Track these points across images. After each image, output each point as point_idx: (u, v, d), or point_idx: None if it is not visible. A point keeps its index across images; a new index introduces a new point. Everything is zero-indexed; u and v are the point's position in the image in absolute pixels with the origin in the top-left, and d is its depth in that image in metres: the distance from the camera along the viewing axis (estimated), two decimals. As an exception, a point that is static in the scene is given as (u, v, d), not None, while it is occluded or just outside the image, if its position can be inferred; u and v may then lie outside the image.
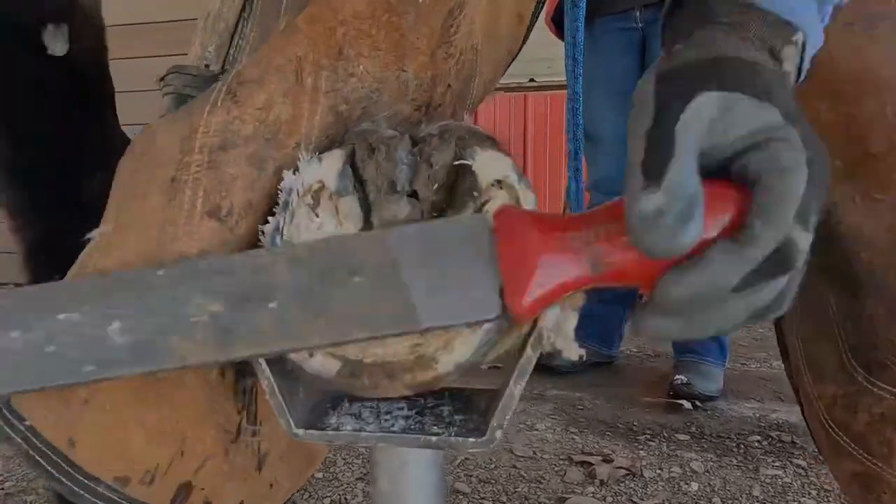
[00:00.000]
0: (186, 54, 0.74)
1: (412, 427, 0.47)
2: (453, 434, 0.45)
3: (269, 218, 0.47)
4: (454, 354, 0.42)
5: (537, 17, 0.73)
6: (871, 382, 0.49)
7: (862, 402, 0.50)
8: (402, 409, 0.50)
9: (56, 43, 0.75)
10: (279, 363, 0.46)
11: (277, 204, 0.48)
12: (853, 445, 0.51)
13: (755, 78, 0.38)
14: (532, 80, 3.69)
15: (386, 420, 0.48)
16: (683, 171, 0.35)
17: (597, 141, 1.96)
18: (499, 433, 0.43)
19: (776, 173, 0.35)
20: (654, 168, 0.35)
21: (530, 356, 0.42)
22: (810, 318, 0.55)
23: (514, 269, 0.39)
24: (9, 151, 0.80)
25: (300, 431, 0.46)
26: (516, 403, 0.43)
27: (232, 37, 0.67)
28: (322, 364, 0.43)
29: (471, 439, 0.44)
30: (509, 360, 0.45)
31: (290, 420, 0.46)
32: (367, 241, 0.42)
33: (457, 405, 0.51)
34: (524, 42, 0.73)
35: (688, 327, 0.38)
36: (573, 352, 0.42)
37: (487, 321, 0.41)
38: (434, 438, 0.45)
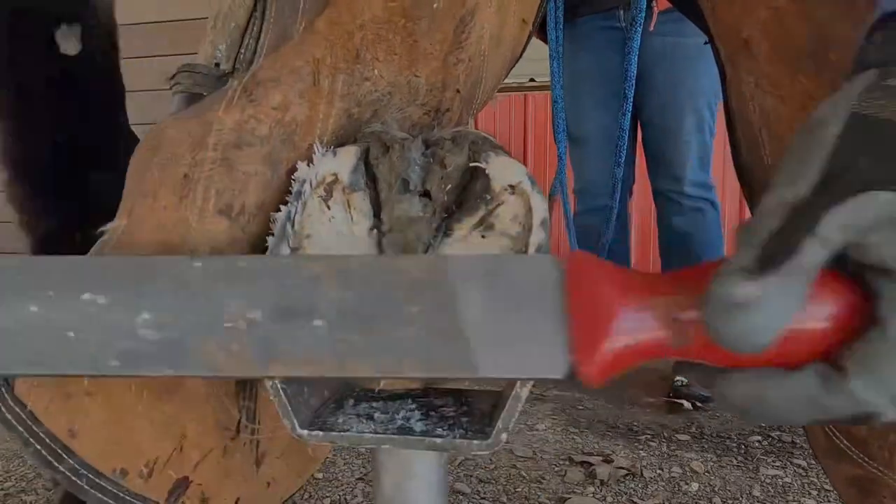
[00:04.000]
0: (188, 54, 0.73)
1: (417, 428, 0.47)
2: (458, 436, 0.45)
3: (281, 206, 0.47)
4: None
5: (539, 21, 0.73)
6: None
7: None
8: (407, 409, 0.50)
9: (69, 42, 0.75)
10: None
11: (290, 193, 0.48)
12: (854, 449, 0.51)
13: None
14: (532, 80, 3.69)
15: (391, 421, 0.48)
16: (799, 275, 0.30)
17: (582, 142, 1.95)
18: (504, 436, 0.43)
19: None
20: (771, 256, 0.31)
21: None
22: None
23: (586, 325, 0.35)
24: (19, 148, 0.80)
25: (304, 432, 0.46)
26: (521, 406, 0.43)
27: (243, 36, 0.66)
28: None
29: (475, 441, 0.44)
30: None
31: (294, 421, 0.46)
32: (426, 266, 0.38)
33: (462, 407, 0.51)
34: (526, 45, 0.73)
35: (750, 417, 0.34)
36: None
37: (552, 380, 0.37)
38: (438, 440, 0.45)
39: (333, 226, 0.48)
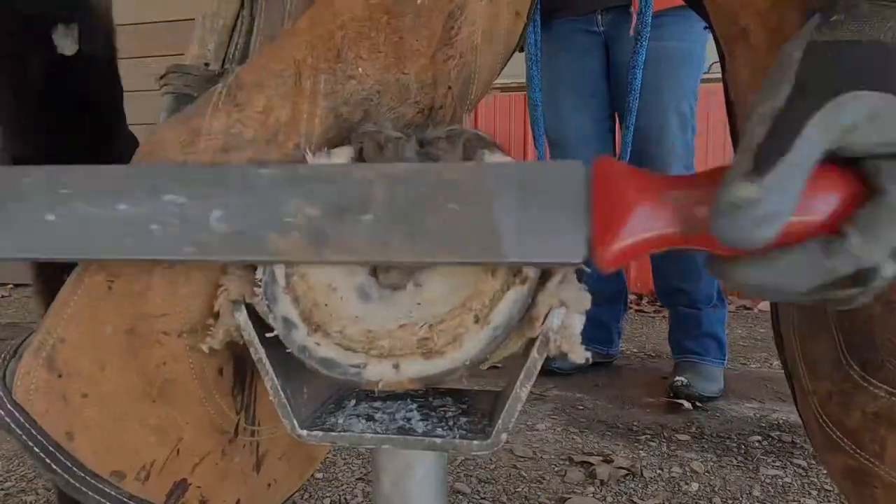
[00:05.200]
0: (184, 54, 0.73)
1: (417, 428, 0.47)
2: (458, 436, 0.45)
3: None
4: (462, 350, 0.42)
5: (533, 12, 0.72)
6: (867, 380, 0.49)
7: (856, 400, 0.50)
8: (406, 409, 0.50)
9: (66, 42, 0.75)
10: (282, 363, 0.46)
11: None
12: (846, 441, 0.51)
13: None
14: (532, 79, 3.68)
15: (391, 421, 0.48)
16: (793, 173, 0.34)
17: (561, 145, 1.94)
18: (504, 436, 0.43)
19: None
20: (765, 159, 0.34)
21: (536, 359, 0.42)
22: (807, 314, 0.55)
23: (606, 216, 0.39)
24: (17, 148, 0.79)
25: (303, 432, 0.46)
26: (521, 406, 0.43)
27: (230, 36, 0.66)
28: (329, 353, 0.43)
29: (475, 441, 0.44)
30: (511, 362, 0.45)
31: (294, 421, 0.46)
32: (466, 171, 0.43)
33: (461, 406, 0.51)
34: (521, 39, 0.72)
35: (759, 294, 0.38)
36: (580, 355, 0.42)
37: (571, 265, 0.41)
38: (438, 440, 0.45)
39: None
